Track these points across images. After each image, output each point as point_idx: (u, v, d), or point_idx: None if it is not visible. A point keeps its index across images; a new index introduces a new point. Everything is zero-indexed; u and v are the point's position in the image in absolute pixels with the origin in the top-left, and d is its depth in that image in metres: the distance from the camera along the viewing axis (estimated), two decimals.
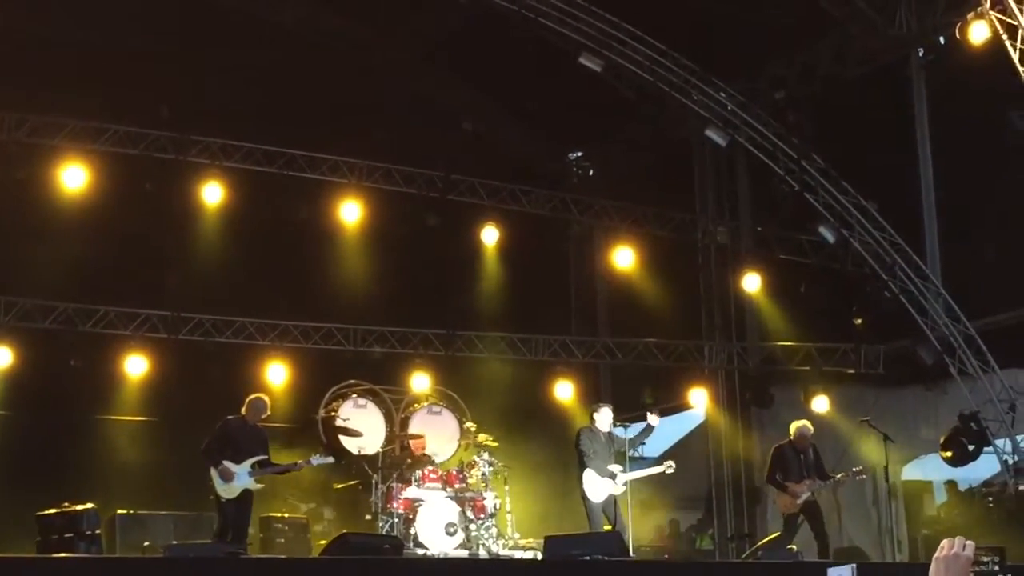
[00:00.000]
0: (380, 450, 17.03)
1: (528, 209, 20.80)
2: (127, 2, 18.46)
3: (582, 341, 21.38)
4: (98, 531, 14.73)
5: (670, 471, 15.94)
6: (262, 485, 14.36)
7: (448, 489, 15.80)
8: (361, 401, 18.06)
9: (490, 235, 20.58)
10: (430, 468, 16.05)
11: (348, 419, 17.54)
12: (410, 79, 22.10)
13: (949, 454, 17.73)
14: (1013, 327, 17.80)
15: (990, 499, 18.28)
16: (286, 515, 17.13)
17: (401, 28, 20.13)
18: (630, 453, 21.10)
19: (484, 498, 15.92)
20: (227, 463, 14.10)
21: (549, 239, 22.62)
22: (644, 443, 17.65)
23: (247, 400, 14.64)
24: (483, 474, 16.07)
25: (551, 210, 21.19)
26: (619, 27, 18.23)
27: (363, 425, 17.62)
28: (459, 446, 17.44)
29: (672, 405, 22.06)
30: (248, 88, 18.99)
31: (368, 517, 16.09)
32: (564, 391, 20.89)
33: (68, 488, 15.93)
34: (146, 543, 13.90)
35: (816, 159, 18.43)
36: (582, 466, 15.54)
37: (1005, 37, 14.85)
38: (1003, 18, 14.80)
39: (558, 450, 18.58)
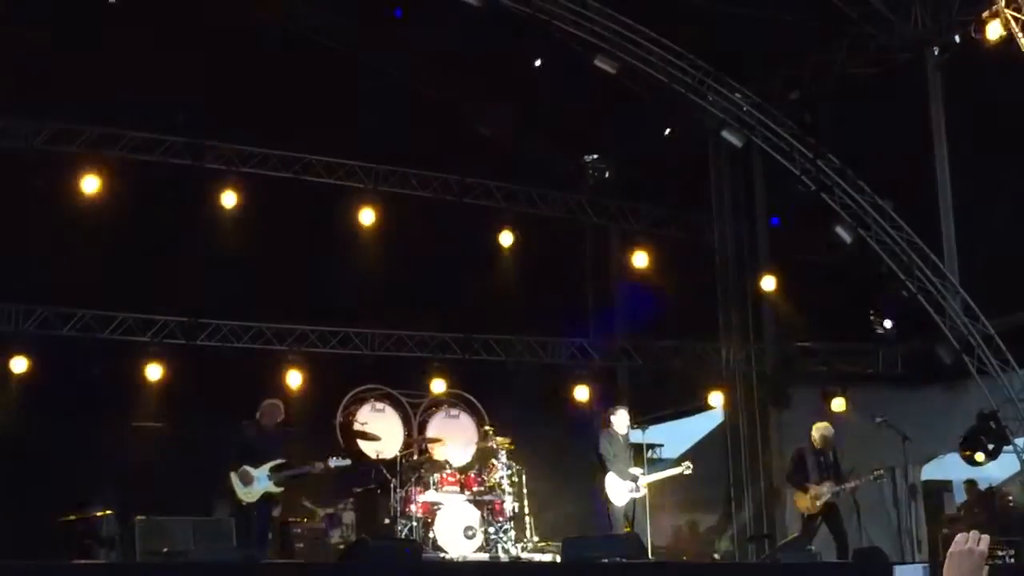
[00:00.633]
0: (398, 454, 17.03)
1: (544, 212, 20.81)
2: (142, 9, 18.50)
3: (599, 344, 21.36)
4: (117, 536, 14.82)
5: (688, 472, 15.98)
6: (281, 488, 14.39)
7: (466, 492, 15.80)
8: (379, 405, 18.11)
9: (506, 238, 20.58)
10: (448, 471, 16.06)
11: (366, 423, 17.58)
12: (425, 83, 22.12)
13: (968, 453, 17.67)
14: None
15: (1010, 498, 18.23)
16: (304, 520, 17.15)
17: (416, 32, 20.14)
18: (648, 455, 21.17)
19: (502, 501, 15.91)
20: (247, 467, 14.15)
21: (565, 242, 22.62)
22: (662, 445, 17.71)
23: (262, 405, 14.69)
24: (501, 477, 16.07)
25: (567, 213, 21.20)
26: (633, 28, 18.22)
27: (381, 429, 17.65)
28: (477, 449, 17.44)
29: (690, 407, 22.05)
30: (263, 94, 19.03)
31: (387, 521, 16.09)
32: (581, 393, 20.89)
33: (87, 494, 16.00)
34: (165, 549, 13.91)
35: (832, 158, 18.39)
36: (604, 470, 15.66)
37: (1020, 35, 14.80)
38: (1018, 15, 14.76)
39: (576, 452, 18.57)
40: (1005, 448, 17.61)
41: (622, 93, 19.26)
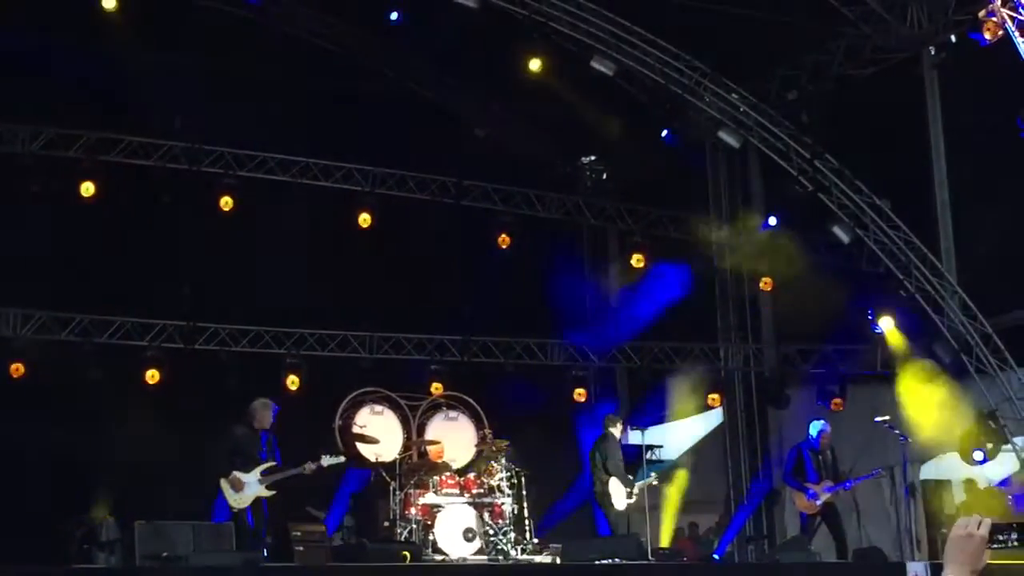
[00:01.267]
0: (397, 457, 17.03)
1: (542, 214, 20.82)
2: (140, 14, 18.51)
3: (597, 345, 21.35)
4: (117, 541, 14.80)
5: (655, 483, 16.34)
6: (274, 492, 14.29)
7: (466, 495, 15.80)
8: (378, 408, 18.09)
9: (504, 240, 20.58)
10: (447, 474, 16.06)
11: (365, 426, 17.56)
12: (422, 85, 22.14)
13: (967, 453, 17.69)
14: None
15: (1010, 497, 18.22)
16: (304, 523, 17.13)
17: (412, 34, 20.14)
18: (647, 456, 21.16)
19: (502, 503, 15.92)
20: (237, 473, 14.07)
21: (563, 243, 22.62)
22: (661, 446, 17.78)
23: (251, 406, 14.60)
24: (501, 479, 16.07)
25: (565, 214, 21.21)
26: (630, 30, 18.25)
27: (380, 432, 17.64)
28: (476, 452, 17.44)
29: (689, 408, 22.03)
30: (260, 98, 19.03)
31: (386, 524, 16.09)
32: (580, 395, 20.88)
33: (87, 499, 16.00)
34: (165, 553, 13.89)
35: (829, 159, 18.41)
36: (607, 473, 15.80)
37: (1016, 34, 14.81)
38: (1014, 15, 14.77)
39: (575, 454, 18.57)
40: (1003, 447, 17.62)
41: (619, 94, 19.27)
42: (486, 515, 15.75)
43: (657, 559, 15.25)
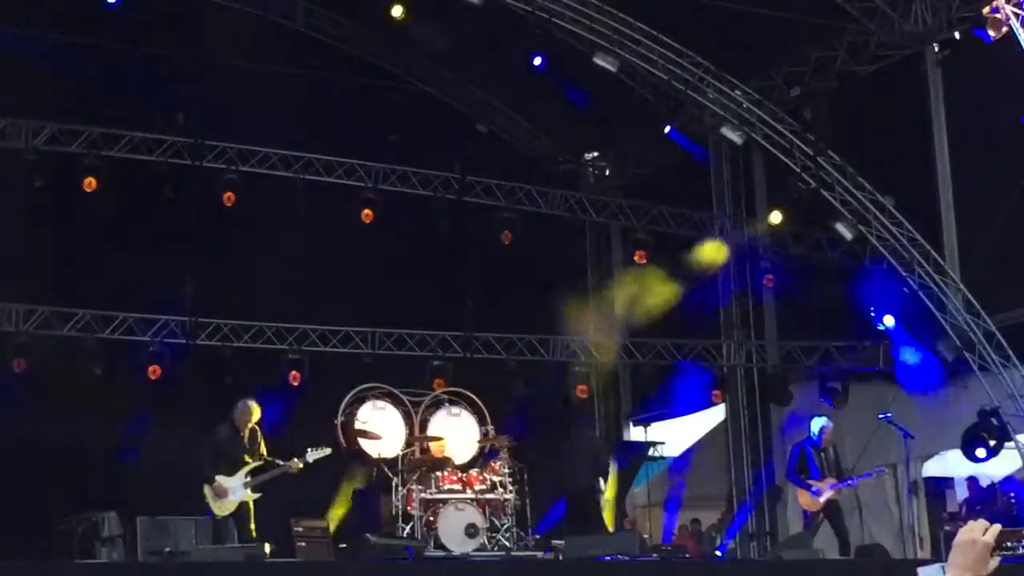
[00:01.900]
0: (400, 453, 17.03)
1: (544, 210, 20.79)
2: (143, 9, 18.51)
3: (600, 341, 21.34)
4: (119, 536, 14.80)
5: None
6: (259, 494, 14.07)
7: (468, 491, 15.80)
8: (380, 404, 18.10)
9: (507, 236, 20.55)
10: (450, 470, 16.05)
11: (367, 422, 17.57)
12: (425, 81, 22.13)
13: (970, 450, 17.68)
14: None
15: (1012, 495, 18.23)
16: (306, 519, 17.12)
17: (414, 30, 20.13)
18: (650, 453, 21.18)
19: (504, 499, 15.91)
20: (220, 479, 13.82)
21: (566, 239, 22.60)
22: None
23: (235, 406, 14.43)
24: (503, 475, 16.06)
25: (567, 210, 21.19)
26: (633, 26, 18.23)
27: (382, 428, 17.65)
28: (478, 448, 17.44)
29: (691, 405, 22.02)
30: (263, 93, 19.03)
31: (389, 520, 16.09)
32: (583, 391, 20.88)
33: (89, 494, 15.99)
34: (167, 548, 13.89)
35: (833, 155, 18.39)
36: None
37: (1020, 30, 14.80)
38: (1018, 11, 14.75)
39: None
40: (1006, 444, 17.61)
41: (622, 90, 19.25)
42: (488, 511, 15.75)
43: (659, 556, 15.24)
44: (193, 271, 18.69)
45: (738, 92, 18.68)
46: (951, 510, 19.85)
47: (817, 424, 15.88)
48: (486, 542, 15.44)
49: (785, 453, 18.05)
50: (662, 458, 22.38)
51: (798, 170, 18.44)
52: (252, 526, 14.00)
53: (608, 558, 13.67)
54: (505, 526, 15.81)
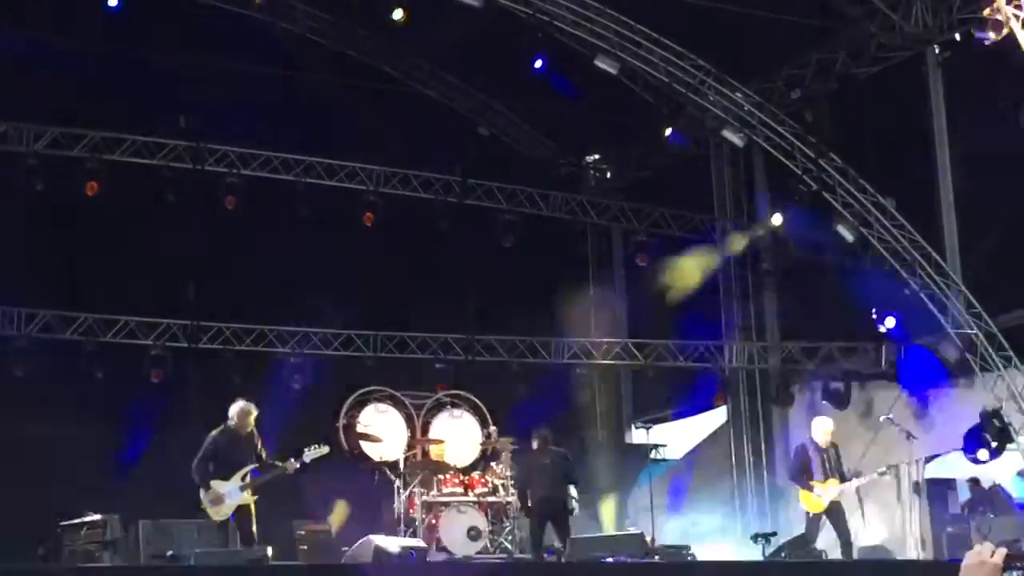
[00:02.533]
0: (402, 455, 17.04)
1: (546, 212, 20.80)
2: (144, 12, 18.53)
3: (602, 343, 21.35)
4: (121, 540, 14.79)
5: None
6: (255, 497, 13.95)
7: (470, 493, 15.81)
8: (382, 407, 18.12)
9: (508, 239, 20.57)
10: (452, 472, 16.06)
11: (369, 425, 17.58)
12: (426, 84, 22.14)
13: (972, 452, 17.67)
14: None
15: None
16: (309, 522, 17.13)
17: (416, 33, 20.15)
18: (651, 455, 21.14)
19: (506, 502, 15.92)
20: (216, 483, 13.69)
21: (567, 242, 22.61)
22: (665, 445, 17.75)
23: (232, 409, 14.34)
24: (505, 478, 16.07)
25: (569, 213, 21.20)
26: (634, 29, 18.24)
27: (384, 431, 17.66)
28: (480, 450, 17.45)
29: (693, 406, 22.03)
30: (264, 97, 19.05)
31: (391, 522, 16.10)
32: (585, 393, 20.91)
33: (91, 497, 15.98)
34: (169, 552, 13.88)
35: (834, 157, 18.40)
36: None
37: (1020, 32, 14.79)
38: (1018, 13, 14.75)
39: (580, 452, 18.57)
40: (1008, 445, 17.60)
41: (623, 93, 19.25)
42: (490, 513, 15.76)
43: (661, 557, 15.23)
44: (195, 275, 18.72)
45: (739, 94, 18.69)
46: (953, 511, 19.83)
47: (819, 425, 15.86)
48: (488, 544, 15.45)
49: (787, 454, 18.06)
50: (664, 460, 22.38)
51: (799, 172, 18.45)
52: (254, 529, 13.95)
53: (611, 560, 13.67)
54: (507, 528, 15.82)
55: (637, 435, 23.26)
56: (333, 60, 20.98)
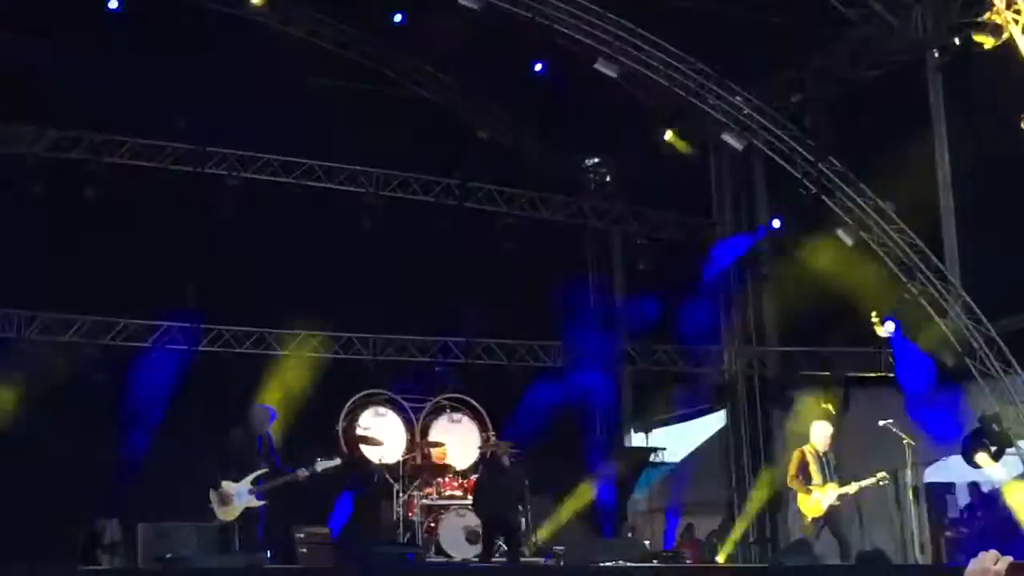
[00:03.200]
0: (401, 459, 17.04)
1: (545, 216, 20.81)
2: (144, 14, 18.53)
3: (601, 347, 21.34)
4: (120, 543, 14.79)
5: None
6: (263, 502, 13.96)
7: (469, 497, 15.80)
8: (381, 410, 18.11)
9: (507, 242, 20.56)
10: (451, 476, 16.06)
11: (369, 428, 17.57)
12: (426, 87, 22.14)
13: (971, 456, 17.66)
14: None
15: None
16: (307, 526, 17.11)
17: (415, 37, 20.17)
18: (651, 459, 21.14)
19: None
20: (226, 484, 13.74)
21: (567, 246, 22.61)
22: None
23: (249, 411, 14.42)
24: None
25: (568, 217, 21.21)
26: (634, 32, 18.25)
27: (384, 434, 17.65)
28: (479, 454, 17.44)
29: (692, 410, 22.01)
30: (263, 100, 19.05)
31: (390, 526, 16.10)
32: (584, 397, 20.91)
33: (90, 501, 15.99)
34: (168, 555, 13.88)
35: (833, 161, 18.40)
36: None
37: (1020, 37, 14.80)
38: (1017, 18, 14.76)
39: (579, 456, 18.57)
40: (1008, 450, 17.59)
41: (623, 97, 19.26)
42: None
43: (660, 562, 15.23)
44: (195, 277, 18.71)
45: (739, 98, 18.69)
46: (952, 516, 19.84)
47: (818, 430, 15.86)
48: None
49: (785, 459, 18.03)
50: (663, 464, 22.38)
51: (799, 176, 18.45)
52: (260, 533, 13.99)
53: (609, 564, 13.68)
54: None
55: (636, 439, 23.26)
56: (333, 62, 20.97)
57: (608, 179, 23.74)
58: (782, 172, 18.71)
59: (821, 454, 15.65)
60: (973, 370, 17.82)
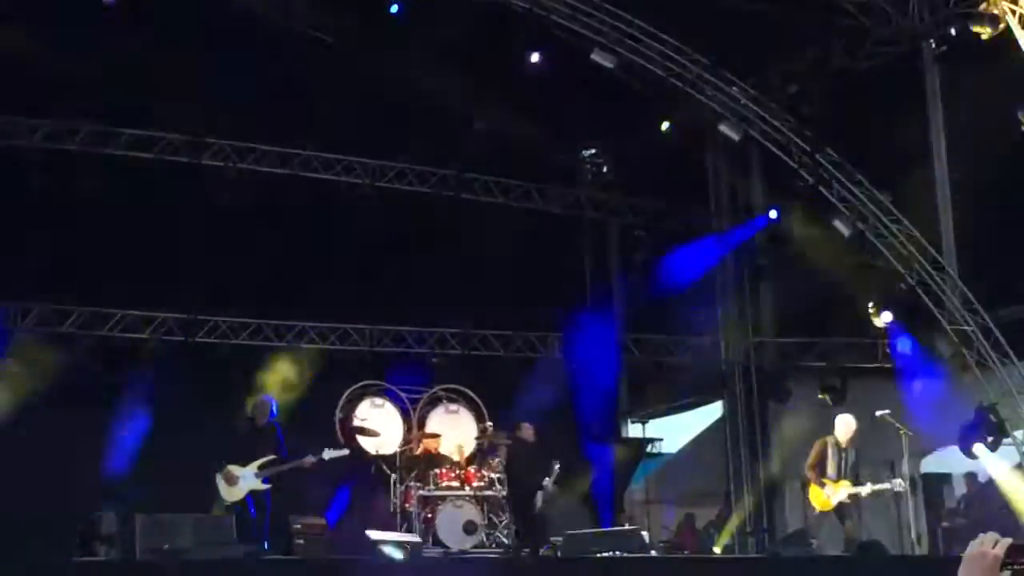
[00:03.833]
0: (398, 450, 17.03)
1: (542, 207, 20.80)
2: (140, 5, 18.48)
3: (598, 337, 21.33)
4: (117, 534, 14.78)
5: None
6: (269, 486, 14.12)
7: (466, 488, 15.80)
8: (378, 401, 18.09)
9: (505, 233, 20.56)
10: (448, 467, 16.05)
11: (365, 419, 17.56)
12: (423, 78, 22.08)
13: (968, 446, 17.68)
14: None
15: None
16: (305, 517, 17.11)
17: (412, 27, 20.12)
18: (648, 449, 21.14)
19: (503, 496, 15.91)
20: (232, 467, 13.92)
21: (564, 236, 22.60)
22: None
23: (253, 402, 14.54)
24: (501, 472, 16.06)
25: (565, 208, 21.19)
26: (631, 23, 18.23)
27: (380, 425, 17.63)
28: (477, 445, 17.43)
29: (689, 401, 22.02)
30: (260, 90, 19.01)
31: (387, 517, 16.08)
32: (581, 387, 20.90)
33: (87, 492, 15.98)
34: (166, 546, 13.88)
35: (830, 152, 18.39)
36: None
37: (1016, 27, 14.80)
38: (1015, 7, 14.76)
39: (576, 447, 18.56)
40: (1004, 441, 17.61)
41: (620, 87, 19.23)
42: (487, 508, 15.75)
43: (658, 553, 15.24)
44: (191, 268, 18.69)
45: (735, 88, 18.68)
46: (949, 506, 19.85)
47: (843, 423, 15.65)
48: (484, 539, 15.44)
49: (782, 450, 18.06)
50: (660, 454, 22.39)
51: (796, 166, 18.44)
52: (267, 521, 14.09)
53: (607, 555, 13.68)
54: (503, 523, 15.81)
55: (633, 429, 23.27)
56: (329, 53, 20.92)
57: (605, 170, 23.70)
58: (779, 163, 18.70)
59: (842, 448, 15.49)
60: (970, 360, 17.83)
